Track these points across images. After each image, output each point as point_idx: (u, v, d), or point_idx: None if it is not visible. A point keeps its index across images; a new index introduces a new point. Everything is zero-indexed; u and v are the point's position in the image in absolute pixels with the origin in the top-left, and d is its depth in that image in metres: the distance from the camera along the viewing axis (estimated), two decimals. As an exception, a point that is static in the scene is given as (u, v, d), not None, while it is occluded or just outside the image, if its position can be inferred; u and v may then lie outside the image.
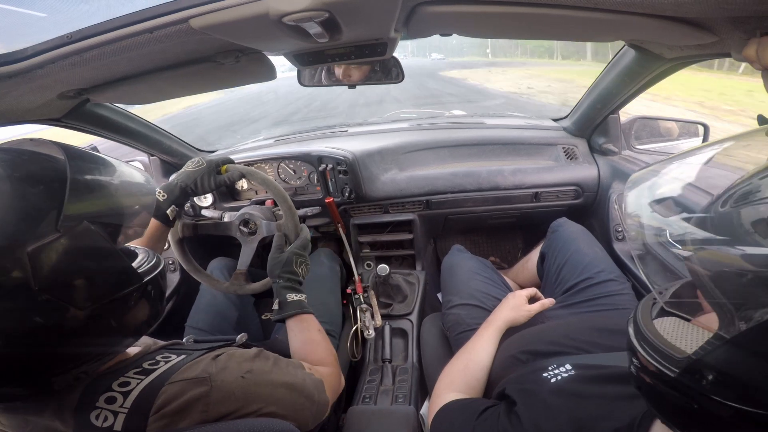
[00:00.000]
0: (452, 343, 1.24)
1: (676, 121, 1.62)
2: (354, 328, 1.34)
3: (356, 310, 1.47)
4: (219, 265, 1.56)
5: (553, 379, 0.73)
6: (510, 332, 1.06)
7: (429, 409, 0.94)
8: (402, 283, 1.65)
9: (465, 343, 1.07)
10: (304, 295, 1.05)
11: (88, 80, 0.91)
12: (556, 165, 1.74)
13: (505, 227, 2.12)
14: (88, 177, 0.59)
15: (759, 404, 0.34)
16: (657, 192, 0.55)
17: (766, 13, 0.59)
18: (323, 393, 0.83)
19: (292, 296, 1.03)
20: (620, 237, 1.56)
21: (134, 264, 0.65)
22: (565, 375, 0.73)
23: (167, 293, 1.67)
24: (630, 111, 1.60)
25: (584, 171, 1.70)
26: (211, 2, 0.63)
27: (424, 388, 1.28)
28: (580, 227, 1.43)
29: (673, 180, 0.55)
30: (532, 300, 1.15)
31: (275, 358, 0.81)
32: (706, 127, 1.49)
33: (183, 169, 1.14)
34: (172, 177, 1.14)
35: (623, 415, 0.57)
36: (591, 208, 1.75)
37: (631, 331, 0.48)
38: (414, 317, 1.52)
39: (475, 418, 0.75)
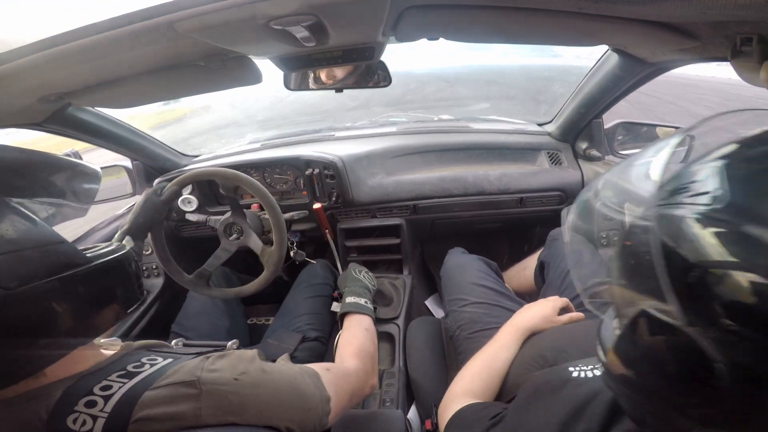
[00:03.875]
0: (460, 342, 1.22)
1: (658, 125, 1.65)
2: (340, 332, 1.33)
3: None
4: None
5: (575, 373, 0.69)
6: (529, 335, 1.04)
7: (441, 413, 0.91)
8: (388, 287, 1.64)
9: (483, 345, 1.04)
10: (364, 299, 1.20)
11: (70, 84, 0.90)
12: (540, 170, 1.75)
13: (491, 232, 2.13)
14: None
15: None
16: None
17: (745, 18, 0.60)
18: (323, 389, 0.76)
19: (351, 299, 1.19)
20: (604, 243, 1.57)
21: (84, 247, 0.64)
22: (590, 373, 0.69)
23: (150, 298, 1.65)
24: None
25: (568, 176, 1.72)
26: (197, 6, 0.63)
27: (410, 393, 1.28)
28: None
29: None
30: (562, 311, 1.11)
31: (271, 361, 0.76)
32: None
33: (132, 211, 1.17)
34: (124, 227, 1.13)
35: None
36: None
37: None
38: (400, 321, 1.51)
39: (489, 419, 0.74)
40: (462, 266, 1.44)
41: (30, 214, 0.58)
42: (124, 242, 1.00)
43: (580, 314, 1.09)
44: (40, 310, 0.54)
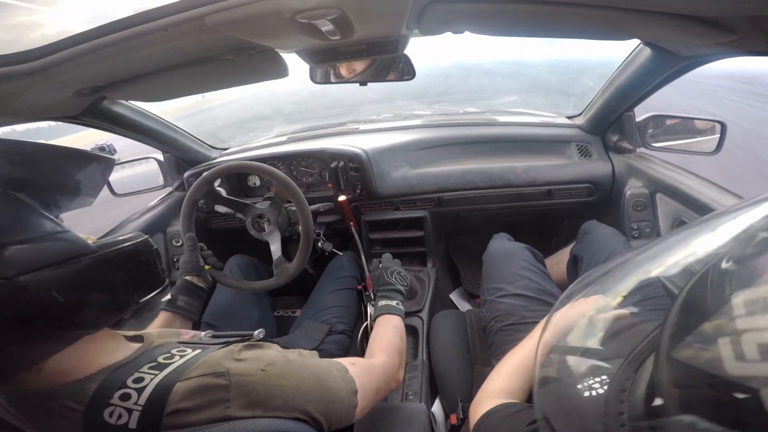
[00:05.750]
0: (493, 334, 1.19)
1: (692, 119, 1.59)
2: (364, 324, 1.34)
3: (367, 307, 1.48)
4: (237, 262, 1.58)
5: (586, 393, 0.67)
6: None
7: (473, 411, 0.87)
8: (412, 280, 1.64)
9: (515, 339, 1.01)
10: (395, 301, 1.21)
11: (103, 78, 0.93)
12: (569, 162, 1.72)
13: (518, 225, 2.11)
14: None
15: None
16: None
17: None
18: (350, 382, 0.78)
19: (382, 302, 1.20)
20: (636, 235, 1.54)
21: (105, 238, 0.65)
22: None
23: None
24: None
25: (598, 168, 1.69)
26: (225, 0, 0.64)
27: (434, 386, 1.28)
28: (612, 230, 1.41)
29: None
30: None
31: (298, 351, 0.78)
32: (723, 126, 1.45)
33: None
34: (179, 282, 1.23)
35: None
36: (605, 206, 1.73)
37: None
38: (424, 314, 1.51)
39: (525, 426, 0.68)
40: (506, 253, 1.38)
41: (31, 205, 0.59)
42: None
43: (625, 311, 1.04)
44: (38, 299, 0.53)
